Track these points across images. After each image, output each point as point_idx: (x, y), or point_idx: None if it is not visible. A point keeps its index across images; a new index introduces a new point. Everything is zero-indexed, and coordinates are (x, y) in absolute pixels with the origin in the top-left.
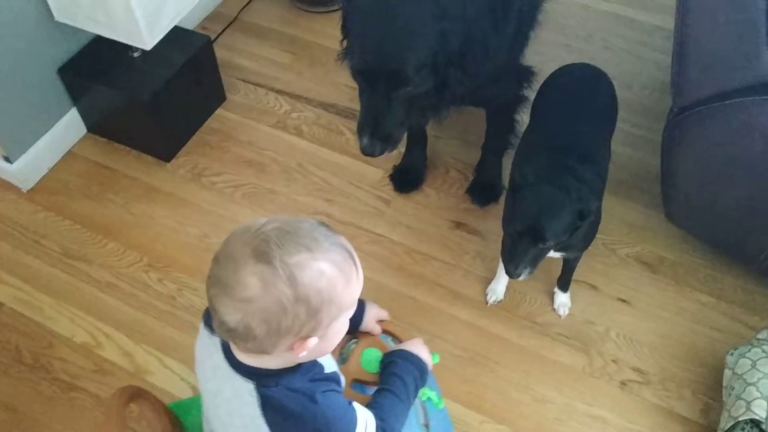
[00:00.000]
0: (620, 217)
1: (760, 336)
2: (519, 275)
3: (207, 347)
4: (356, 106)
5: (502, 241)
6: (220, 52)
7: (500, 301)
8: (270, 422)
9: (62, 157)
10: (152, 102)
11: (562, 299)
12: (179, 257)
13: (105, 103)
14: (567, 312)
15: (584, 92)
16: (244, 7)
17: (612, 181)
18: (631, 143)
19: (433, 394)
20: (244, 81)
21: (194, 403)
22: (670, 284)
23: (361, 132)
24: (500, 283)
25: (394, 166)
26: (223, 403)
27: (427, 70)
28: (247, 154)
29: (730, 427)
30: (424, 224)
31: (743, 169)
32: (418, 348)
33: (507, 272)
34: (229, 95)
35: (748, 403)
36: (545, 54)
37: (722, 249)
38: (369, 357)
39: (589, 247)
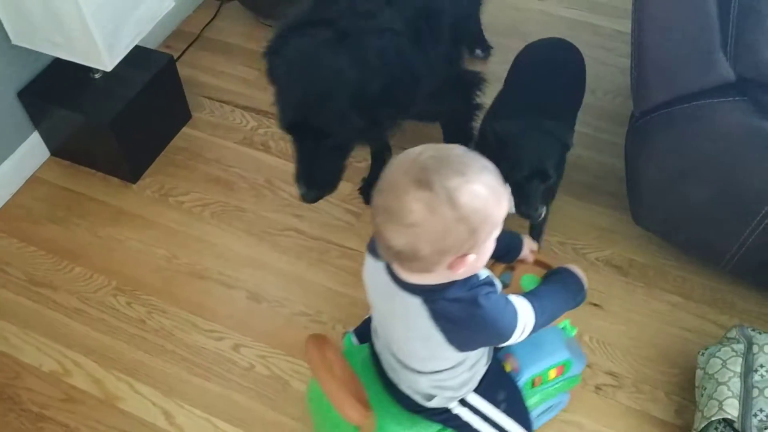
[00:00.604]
0: (588, 222)
1: (729, 335)
2: (540, 215)
3: (374, 272)
4: None
5: None
6: (184, 70)
7: None
8: (443, 330)
9: (25, 181)
10: (115, 123)
11: None
12: (148, 279)
13: (67, 126)
14: None
15: (556, 62)
16: (207, 24)
17: (579, 185)
18: (597, 147)
19: (566, 322)
20: (209, 98)
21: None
22: (640, 286)
23: (297, 182)
24: None
25: (363, 178)
26: (398, 320)
27: (354, 115)
28: (214, 172)
29: (704, 427)
30: None
31: (705, 171)
32: (576, 269)
33: (528, 216)
34: (194, 113)
35: (720, 402)
36: (510, 62)
37: (690, 250)
38: (528, 281)
39: (560, 254)
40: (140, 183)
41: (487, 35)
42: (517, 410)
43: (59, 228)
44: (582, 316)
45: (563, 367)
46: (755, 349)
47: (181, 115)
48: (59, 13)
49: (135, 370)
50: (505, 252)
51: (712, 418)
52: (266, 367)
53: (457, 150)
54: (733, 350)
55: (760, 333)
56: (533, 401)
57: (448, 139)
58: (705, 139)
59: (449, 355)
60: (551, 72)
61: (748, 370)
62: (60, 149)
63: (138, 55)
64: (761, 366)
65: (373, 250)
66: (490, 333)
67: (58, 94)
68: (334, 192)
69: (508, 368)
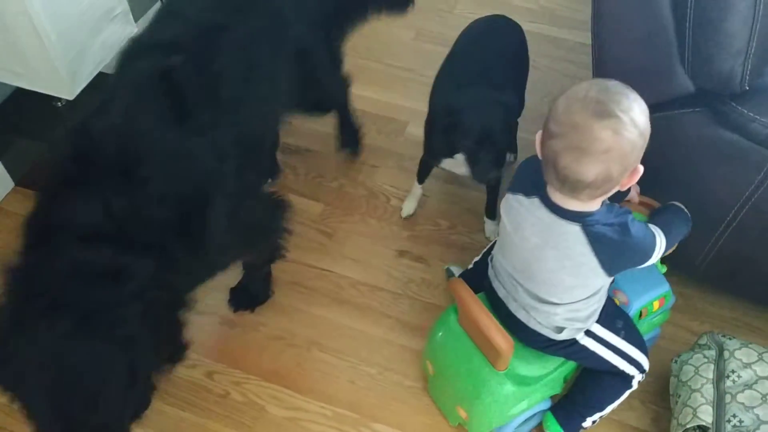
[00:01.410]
0: None
1: (701, 342)
2: (492, 178)
3: (524, 211)
4: (295, 141)
5: (421, 162)
6: None
7: (411, 215)
8: (598, 251)
9: None
10: None
11: (492, 227)
12: None
13: (32, 156)
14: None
15: (497, 36)
16: None
17: None
18: None
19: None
20: None
21: None
22: None
23: None
24: (411, 201)
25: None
26: (551, 251)
27: None
28: None
29: None
30: (367, 255)
31: (670, 181)
32: (679, 204)
33: (481, 180)
34: None
35: (694, 409)
36: None
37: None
38: (638, 218)
39: None
40: None
41: (441, 47)
42: (635, 336)
43: None
44: None
45: (664, 299)
46: (726, 355)
47: None
48: (18, 42)
49: None
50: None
51: (687, 426)
52: (242, 393)
53: (612, 81)
54: (704, 357)
55: (730, 339)
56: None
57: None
58: (668, 148)
59: (594, 282)
60: (493, 45)
61: (720, 376)
62: (25, 178)
63: (103, 82)
64: (732, 371)
65: (522, 188)
66: (638, 253)
67: (20, 124)
68: None
69: (617, 302)
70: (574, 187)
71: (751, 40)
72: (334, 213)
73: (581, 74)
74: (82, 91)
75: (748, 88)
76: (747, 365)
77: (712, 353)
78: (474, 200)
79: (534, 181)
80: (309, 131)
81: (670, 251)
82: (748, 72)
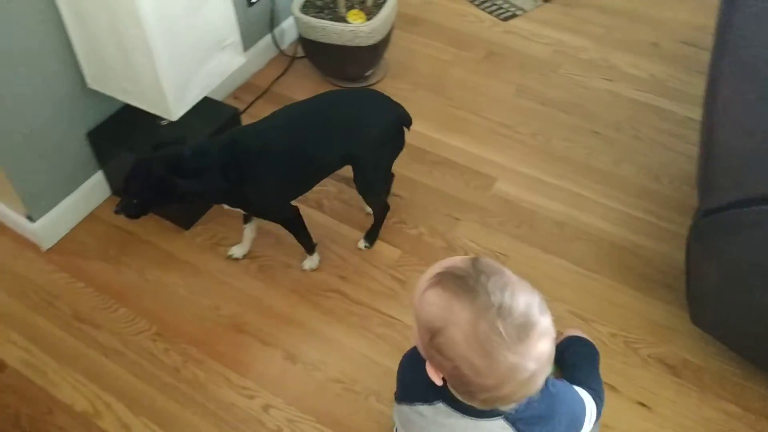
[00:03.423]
0: (643, 314)
1: None
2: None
3: (429, 423)
4: None
5: None
6: (249, 123)
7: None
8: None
9: (83, 218)
10: None
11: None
12: (188, 328)
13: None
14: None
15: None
16: (276, 79)
17: (635, 275)
18: (658, 236)
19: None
20: None
21: None
22: (693, 390)
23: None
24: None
25: None
26: None
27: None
28: (265, 226)
29: None
30: None
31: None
32: (579, 332)
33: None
34: None
35: None
36: (573, 140)
37: (752, 358)
38: None
39: (610, 345)
40: (192, 230)
41: (552, 110)
42: None
43: (110, 267)
44: (628, 417)
45: None
46: None
47: None
48: (134, 63)
49: (164, 420)
50: None
51: None
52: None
53: (501, 272)
54: None
55: None
56: None
57: None
58: None
59: None
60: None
61: None
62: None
63: (205, 106)
64: None
65: (417, 396)
66: (569, 420)
67: (124, 137)
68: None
69: None
70: (508, 403)
71: None
72: (409, 261)
73: (687, 150)
74: (186, 113)
75: None
76: None
77: None
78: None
79: (425, 383)
80: (398, 177)
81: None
82: None
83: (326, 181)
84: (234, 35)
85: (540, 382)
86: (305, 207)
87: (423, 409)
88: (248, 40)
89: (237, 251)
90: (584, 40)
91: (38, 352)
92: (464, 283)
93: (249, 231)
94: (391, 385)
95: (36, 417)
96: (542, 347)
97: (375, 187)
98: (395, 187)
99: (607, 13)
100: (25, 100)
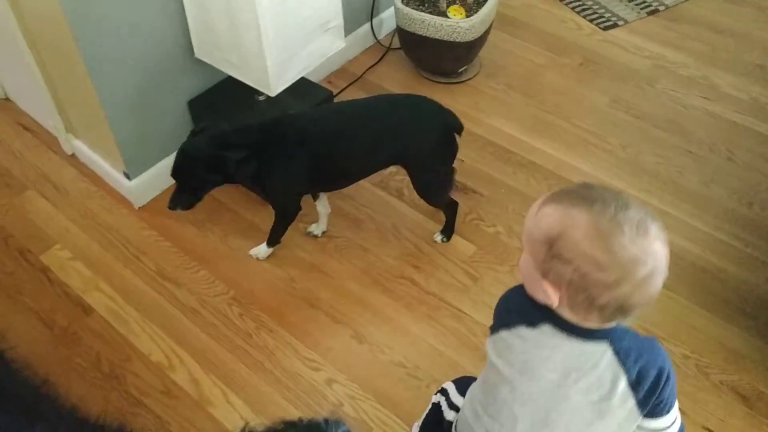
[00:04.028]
0: (719, 340)
1: None
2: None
3: (531, 346)
4: (465, 180)
5: None
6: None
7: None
8: (629, 368)
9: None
10: None
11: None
12: (263, 296)
13: None
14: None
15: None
16: (370, 68)
17: (716, 299)
18: (743, 263)
19: None
20: None
21: None
22: (765, 423)
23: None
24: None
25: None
26: (573, 386)
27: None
28: (346, 208)
29: None
30: None
31: None
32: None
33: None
34: None
35: None
36: (664, 156)
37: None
38: None
39: (681, 367)
40: None
41: (645, 124)
42: None
43: (196, 230)
44: None
45: None
46: None
47: None
48: (242, 37)
49: (232, 380)
50: None
51: None
52: (354, 408)
53: (584, 194)
54: None
55: None
56: None
57: None
58: None
59: (624, 422)
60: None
61: None
62: None
63: (301, 86)
64: None
65: (520, 319)
66: (665, 355)
67: (223, 108)
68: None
69: None
70: (629, 313)
71: None
72: (484, 258)
73: None
74: (282, 91)
75: None
76: None
77: None
78: None
79: (532, 307)
80: (481, 174)
81: None
82: None
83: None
84: (338, 19)
85: (657, 285)
86: (385, 194)
87: (525, 332)
88: (348, 26)
89: (315, 229)
90: (686, 57)
91: (123, 302)
92: (578, 194)
93: (321, 207)
94: (453, 376)
95: (115, 362)
96: (658, 247)
97: (431, 191)
98: (476, 184)
99: (714, 31)
100: (140, 65)
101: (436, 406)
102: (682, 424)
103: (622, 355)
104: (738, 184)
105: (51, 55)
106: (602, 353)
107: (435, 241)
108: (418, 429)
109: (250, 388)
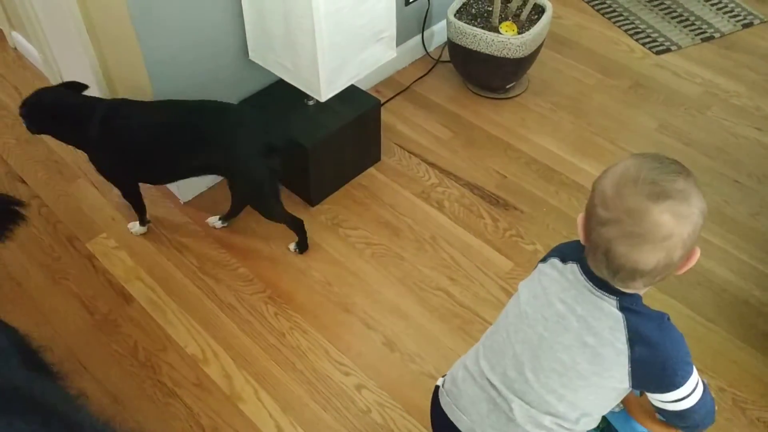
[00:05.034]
0: (758, 375)
1: None
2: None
3: (557, 275)
4: (506, 196)
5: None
6: (386, 116)
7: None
8: (630, 331)
9: (222, 179)
10: (315, 148)
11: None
12: (299, 298)
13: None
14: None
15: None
16: (418, 79)
17: (758, 333)
18: None
19: None
20: (401, 147)
21: None
22: None
23: None
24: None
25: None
26: (574, 323)
27: None
28: (385, 216)
29: None
30: None
31: None
32: None
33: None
34: (384, 157)
35: None
36: (711, 185)
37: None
38: None
39: (717, 401)
40: (318, 207)
41: (693, 151)
42: None
43: (237, 229)
44: None
45: None
46: None
47: (372, 156)
48: (296, 42)
49: (263, 378)
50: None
51: None
52: (382, 415)
53: (660, 157)
54: None
55: None
56: None
57: None
58: None
59: (610, 379)
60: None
61: None
62: None
63: (350, 93)
64: None
65: (558, 255)
66: (671, 360)
67: (273, 110)
68: None
69: None
70: (630, 276)
71: None
72: (521, 275)
73: None
74: (332, 97)
75: None
76: None
77: None
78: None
79: (573, 249)
80: (523, 191)
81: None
82: None
83: (450, 183)
84: (391, 29)
85: (647, 252)
86: (426, 205)
87: (557, 263)
88: (399, 37)
89: (216, 221)
90: (739, 86)
91: (162, 293)
92: (657, 156)
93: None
94: None
95: (151, 351)
96: (666, 219)
97: (257, 204)
98: (517, 201)
99: None
100: (195, 63)
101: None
102: (705, 385)
103: (630, 316)
104: (757, 203)
105: (110, 49)
106: (608, 308)
107: (290, 250)
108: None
109: (280, 387)
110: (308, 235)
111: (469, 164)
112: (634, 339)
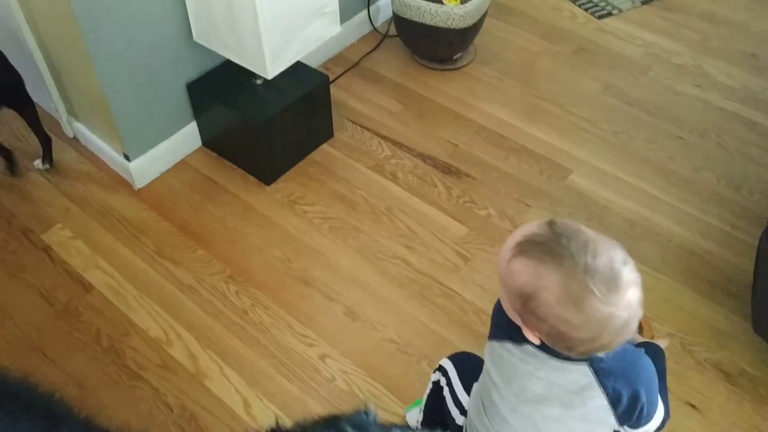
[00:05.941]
0: (705, 320)
1: None
2: None
3: (516, 360)
4: (458, 164)
5: None
6: (336, 92)
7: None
8: (605, 386)
9: (175, 164)
10: (265, 128)
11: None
12: (259, 275)
13: (222, 121)
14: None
15: None
16: (366, 54)
17: (703, 281)
18: (731, 246)
19: None
20: (353, 122)
21: None
22: (746, 399)
23: None
24: None
25: None
26: (556, 400)
27: None
28: (341, 190)
29: None
30: (498, 287)
31: None
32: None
33: None
34: (336, 133)
35: None
36: (655, 142)
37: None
38: None
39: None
40: (273, 186)
41: (637, 111)
42: None
43: (194, 211)
44: (675, 415)
45: None
46: None
47: (324, 132)
48: (238, 20)
49: (227, 355)
50: None
51: None
52: (346, 382)
53: (583, 231)
54: None
55: None
56: None
57: None
58: None
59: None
60: None
61: None
62: (211, 141)
63: (298, 70)
64: None
65: (507, 335)
66: (644, 376)
67: (220, 92)
68: None
69: None
70: (606, 349)
71: None
72: (476, 240)
73: None
74: (279, 75)
75: None
76: None
77: None
78: None
79: (515, 324)
80: (474, 158)
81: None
82: None
83: (403, 154)
84: (333, 4)
85: (633, 327)
86: (380, 177)
87: (511, 347)
88: (345, 13)
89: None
90: (679, 45)
91: (122, 279)
92: (547, 248)
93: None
94: (443, 354)
95: (114, 337)
96: (631, 295)
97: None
98: (469, 168)
99: (707, 21)
100: (140, 48)
101: (437, 384)
102: (666, 409)
103: (601, 375)
104: (727, 169)
105: (53, 39)
106: (583, 372)
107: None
108: (412, 414)
109: (245, 363)
110: (263, 212)
111: (420, 135)
112: (605, 383)
